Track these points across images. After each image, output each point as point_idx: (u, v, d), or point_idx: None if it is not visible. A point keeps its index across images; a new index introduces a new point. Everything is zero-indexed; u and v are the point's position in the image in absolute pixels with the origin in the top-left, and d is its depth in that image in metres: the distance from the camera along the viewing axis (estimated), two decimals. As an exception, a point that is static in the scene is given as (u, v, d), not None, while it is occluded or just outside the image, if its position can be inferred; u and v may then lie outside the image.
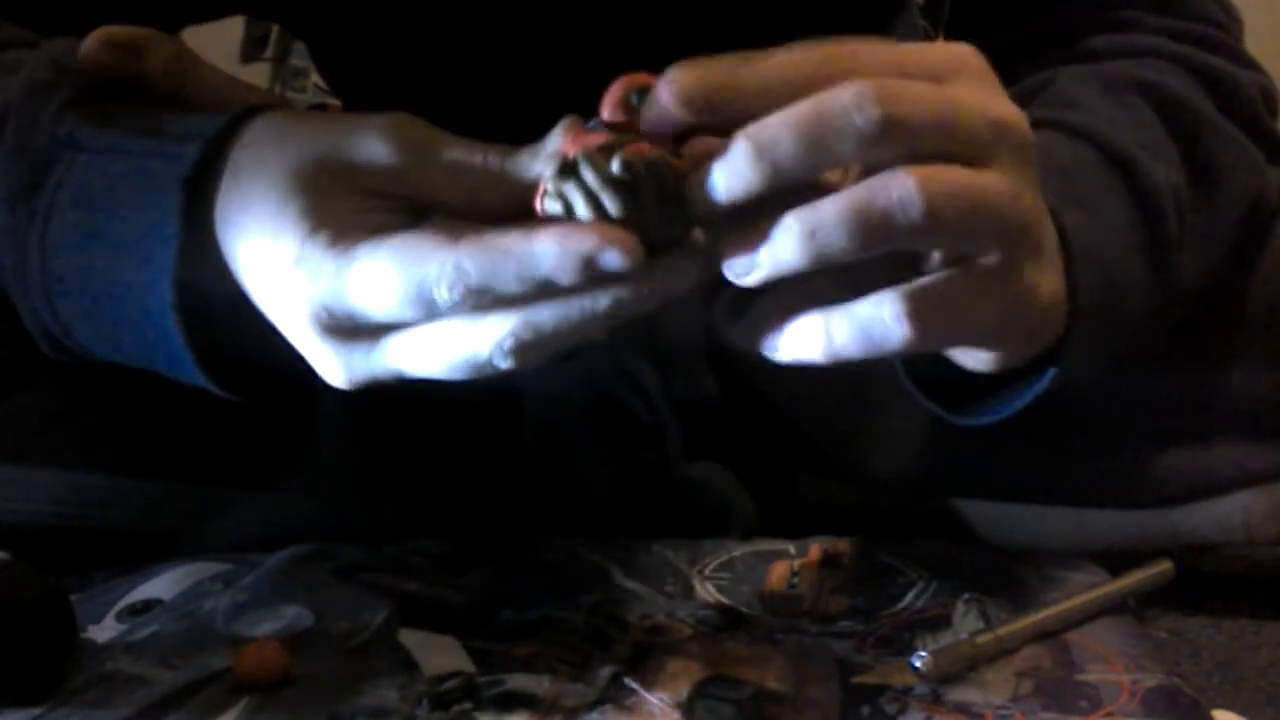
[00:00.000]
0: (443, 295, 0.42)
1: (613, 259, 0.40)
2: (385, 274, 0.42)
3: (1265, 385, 0.64)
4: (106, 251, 0.48)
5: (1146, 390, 0.65)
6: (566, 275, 0.40)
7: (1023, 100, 0.62)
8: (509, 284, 0.41)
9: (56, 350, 0.53)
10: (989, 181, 0.43)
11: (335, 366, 0.46)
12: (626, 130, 0.42)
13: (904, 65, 0.42)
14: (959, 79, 0.43)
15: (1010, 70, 0.74)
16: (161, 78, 0.51)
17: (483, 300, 0.42)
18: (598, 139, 0.42)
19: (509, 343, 0.42)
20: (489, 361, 0.43)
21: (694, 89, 0.41)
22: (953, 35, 0.74)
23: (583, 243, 0.40)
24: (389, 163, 0.44)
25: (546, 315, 0.42)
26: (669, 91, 0.41)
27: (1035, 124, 0.56)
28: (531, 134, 0.69)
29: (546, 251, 0.40)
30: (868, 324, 0.43)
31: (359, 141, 0.44)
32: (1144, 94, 0.61)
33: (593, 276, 0.40)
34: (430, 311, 0.43)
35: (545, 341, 0.42)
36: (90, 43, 0.51)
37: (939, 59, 0.43)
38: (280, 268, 0.44)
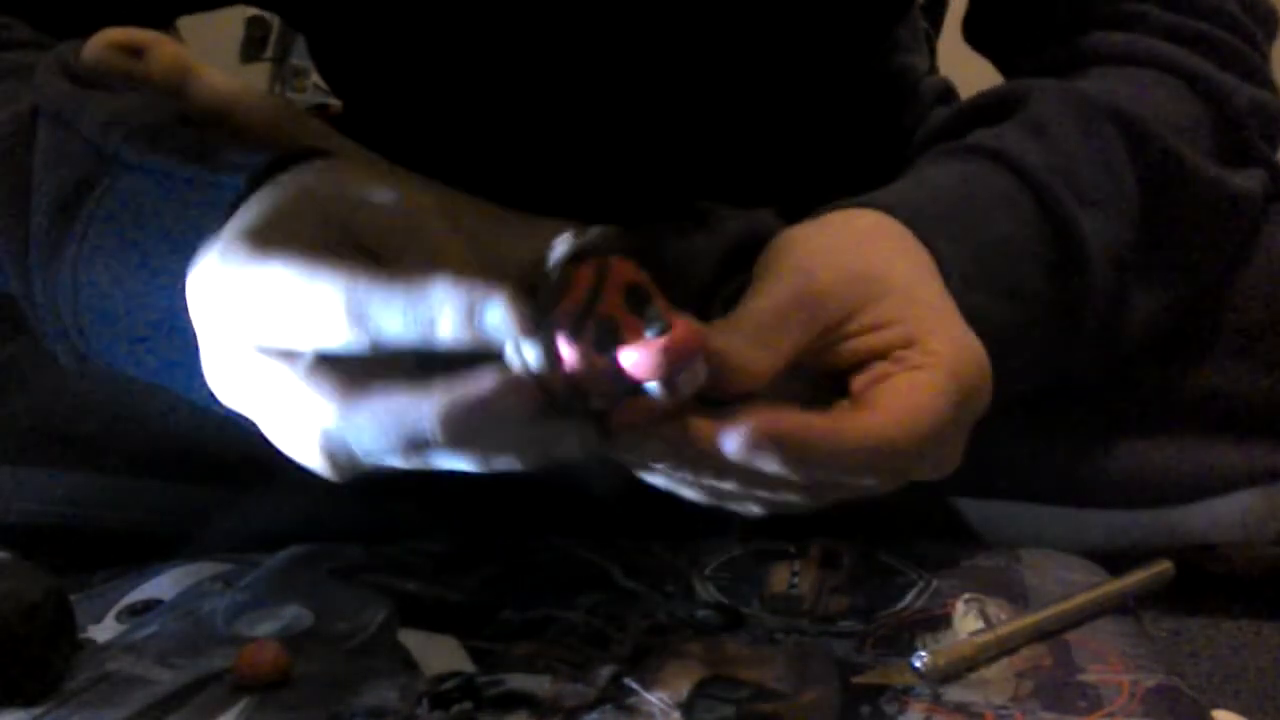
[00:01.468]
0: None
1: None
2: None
3: (1262, 386, 0.64)
4: (140, 274, 0.48)
5: (1145, 390, 0.65)
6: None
7: (993, 111, 0.62)
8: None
9: (77, 362, 0.52)
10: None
11: None
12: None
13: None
14: None
15: (1013, 64, 0.74)
16: (162, 79, 0.51)
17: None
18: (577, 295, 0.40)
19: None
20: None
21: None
22: (967, 31, 0.74)
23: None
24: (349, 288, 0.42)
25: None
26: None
27: (976, 150, 0.58)
28: (528, 133, 0.69)
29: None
30: None
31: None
32: (1118, 124, 0.61)
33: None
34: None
35: None
36: (92, 46, 0.51)
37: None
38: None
